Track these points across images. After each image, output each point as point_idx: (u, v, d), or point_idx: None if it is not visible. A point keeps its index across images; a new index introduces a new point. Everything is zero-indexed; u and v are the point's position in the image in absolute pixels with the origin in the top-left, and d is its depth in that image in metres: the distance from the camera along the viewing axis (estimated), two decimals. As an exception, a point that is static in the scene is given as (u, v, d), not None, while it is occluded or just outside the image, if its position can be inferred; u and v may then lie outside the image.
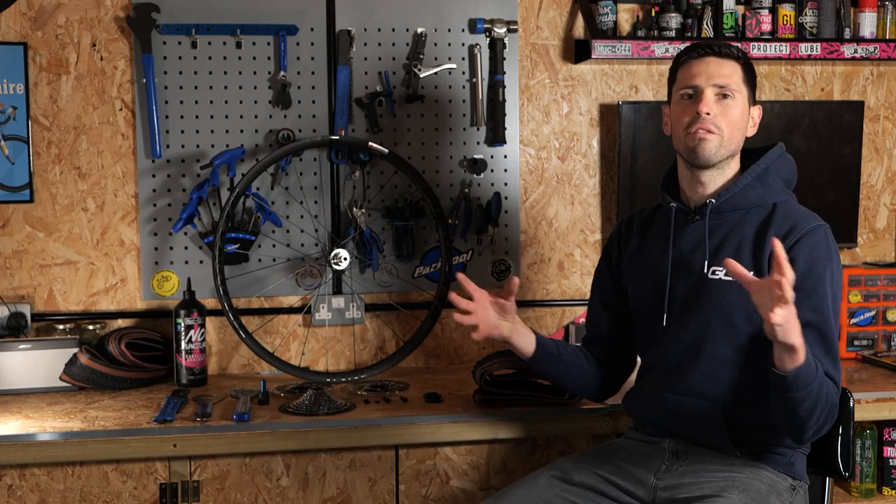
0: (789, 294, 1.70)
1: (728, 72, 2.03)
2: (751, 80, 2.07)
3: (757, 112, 2.10)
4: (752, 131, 2.10)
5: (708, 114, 2.00)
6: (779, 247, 1.73)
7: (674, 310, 2.08)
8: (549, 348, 2.17)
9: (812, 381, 1.81)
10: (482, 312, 2.08)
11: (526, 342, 2.15)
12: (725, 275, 2.01)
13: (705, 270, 2.04)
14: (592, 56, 2.85)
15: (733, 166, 2.08)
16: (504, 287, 2.06)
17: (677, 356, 2.07)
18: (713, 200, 2.06)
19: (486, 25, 2.92)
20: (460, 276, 2.08)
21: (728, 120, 2.02)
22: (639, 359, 2.24)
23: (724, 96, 2.02)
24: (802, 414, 1.84)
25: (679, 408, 2.06)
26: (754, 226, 2.03)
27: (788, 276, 1.70)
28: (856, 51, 2.97)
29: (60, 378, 2.58)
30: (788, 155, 2.13)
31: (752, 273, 1.95)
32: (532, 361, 2.17)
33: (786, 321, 1.71)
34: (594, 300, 2.30)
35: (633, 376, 2.27)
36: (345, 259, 2.77)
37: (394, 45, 2.91)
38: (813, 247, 1.97)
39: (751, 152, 2.12)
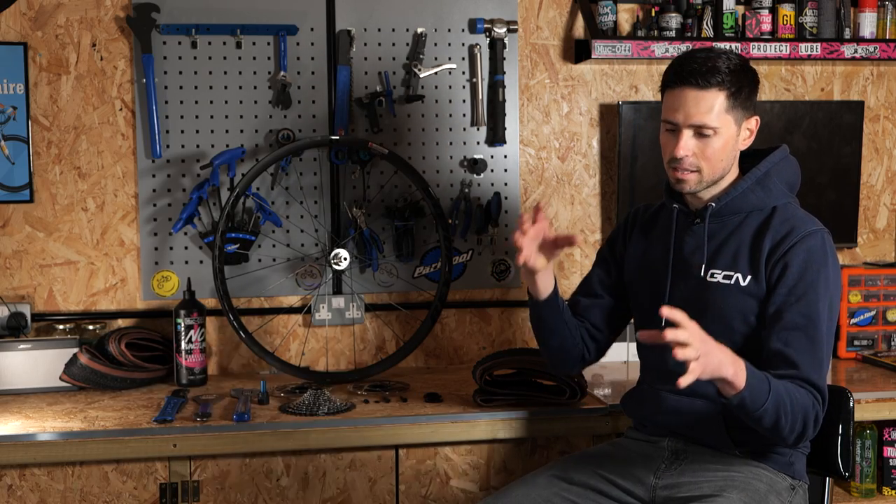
0: (682, 336, 1.68)
1: (706, 108, 1.95)
2: (740, 100, 1.98)
3: (753, 123, 2.05)
4: (745, 144, 2.06)
5: (686, 156, 1.98)
6: (667, 313, 1.72)
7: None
8: (559, 300, 2.15)
9: (764, 401, 1.80)
10: (530, 241, 2.02)
11: (546, 285, 2.11)
12: (724, 278, 2.01)
13: (703, 274, 2.04)
14: (592, 56, 2.85)
15: (728, 177, 2.07)
16: (564, 235, 2.02)
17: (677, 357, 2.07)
18: (713, 204, 2.06)
19: (486, 25, 2.92)
20: (539, 207, 2.03)
21: (707, 157, 1.99)
22: (638, 358, 2.24)
23: (703, 134, 1.97)
24: (768, 426, 1.85)
25: (678, 408, 2.06)
26: (752, 229, 2.03)
27: (680, 321, 1.71)
28: (856, 51, 2.97)
29: (60, 378, 2.58)
30: (792, 157, 2.12)
31: (749, 277, 1.99)
32: (541, 305, 2.13)
33: (701, 368, 1.70)
34: (593, 281, 2.28)
35: (632, 376, 2.27)
36: (345, 259, 2.77)
37: (394, 45, 2.91)
38: (808, 251, 1.97)
39: (755, 154, 2.12)
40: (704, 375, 1.72)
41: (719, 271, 2.03)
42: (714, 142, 1.98)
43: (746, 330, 2.00)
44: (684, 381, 1.67)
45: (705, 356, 1.71)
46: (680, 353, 1.68)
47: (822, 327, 1.94)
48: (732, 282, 2.00)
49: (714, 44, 2.87)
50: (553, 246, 2.05)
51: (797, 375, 1.90)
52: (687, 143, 1.98)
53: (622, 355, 2.81)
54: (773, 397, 1.81)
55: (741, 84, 1.98)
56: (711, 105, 1.96)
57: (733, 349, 1.99)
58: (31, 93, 2.76)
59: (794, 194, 2.10)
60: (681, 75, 1.98)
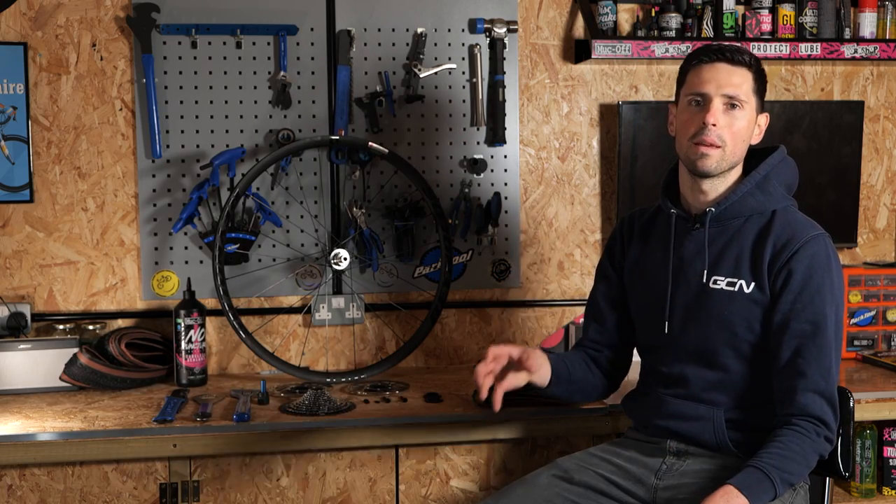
0: None
1: (738, 81, 1.99)
2: (761, 88, 2.04)
3: (764, 120, 2.07)
4: (756, 139, 2.07)
5: (714, 125, 1.98)
6: None
7: (675, 317, 2.07)
8: (561, 373, 2.14)
9: (774, 491, 1.82)
10: (489, 377, 2.02)
11: (543, 376, 2.11)
12: (727, 285, 2.00)
13: (705, 280, 2.04)
14: (592, 56, 2.85)
15: (735, 173, 2.06)
16: (521, 360, 2.03)
17: (679, 362, 2.06)
18: (713, 209, 2.05)
19: (486, 25, 2.92)
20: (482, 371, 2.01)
21: (733, 132, 1.99)
22: (638, 359, 2.24)
23: (733, 106, 1.99)
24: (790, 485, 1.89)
25: (681, 411, 2.05)
26: (753, 234, 2.02)
27: None
28: (856, 51, 2.97)
29: (60, 378, 2.58)
30: (790, 159, 2.11)
31: (752, 284, 1.98)
32: (546, 389, 2.14)
33: None
34: (597, 299, 2.26)
35: (633, 377, 2.27)
36: (345, 259, 2.77)
37: (394, 45, 2.91)
38: (811, 257, 1.96)
39: (753, 154, 2.11)
40: None
41: (722, 278, 2.02)
42: (741, 118, 2.00)
43: (752, 338, 1.99)
44: None
45: None
46: None
47: (830, 333, 1.94)
48: (736, 288, 1.99)
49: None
50: (520, 362, 2.04)
51: (806, 386, 1.91)
52: (718, 112, 1.99)
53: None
54: (778, 479, 1.83)
55: (761, 74, 2.05)
56: (742, 80, 2.00)
57: (739, 354, 1.99)
58: (31, 93, 2.76)
59: (791, 196, 2.10)
60: (713, 51, 2.02)
